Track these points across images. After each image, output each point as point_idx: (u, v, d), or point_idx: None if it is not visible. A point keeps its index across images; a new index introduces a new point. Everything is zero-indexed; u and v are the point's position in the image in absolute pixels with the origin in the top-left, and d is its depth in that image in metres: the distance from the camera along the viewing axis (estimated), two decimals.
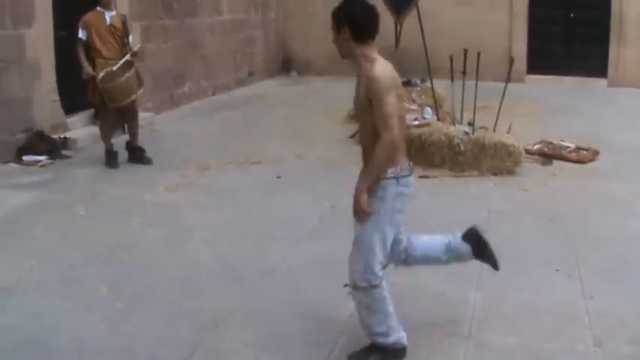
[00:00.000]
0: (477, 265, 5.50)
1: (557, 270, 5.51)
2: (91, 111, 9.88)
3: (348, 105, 11.31)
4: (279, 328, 4.57)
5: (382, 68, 3.88)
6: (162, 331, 4.49)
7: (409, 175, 4.04)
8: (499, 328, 4.57)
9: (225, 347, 4.32)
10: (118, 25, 8.35)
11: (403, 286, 5.13)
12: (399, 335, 4.10)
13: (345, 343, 4.35)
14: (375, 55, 3.95)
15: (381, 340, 4.07)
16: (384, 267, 4.05)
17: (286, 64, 17.84)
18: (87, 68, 8.19)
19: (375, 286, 3.98)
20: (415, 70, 11.52)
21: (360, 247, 3.99)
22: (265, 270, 5.47)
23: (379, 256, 3.98)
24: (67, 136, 9.36)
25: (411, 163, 4.11)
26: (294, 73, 17.59)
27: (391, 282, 5.14)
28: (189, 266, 5.57)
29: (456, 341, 4.39)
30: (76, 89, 9.37)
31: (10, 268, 5.47)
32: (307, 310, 4.84)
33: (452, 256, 4.45)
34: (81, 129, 9.88)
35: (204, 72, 13.86)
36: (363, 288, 3.99)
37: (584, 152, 9.21)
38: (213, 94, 14.17)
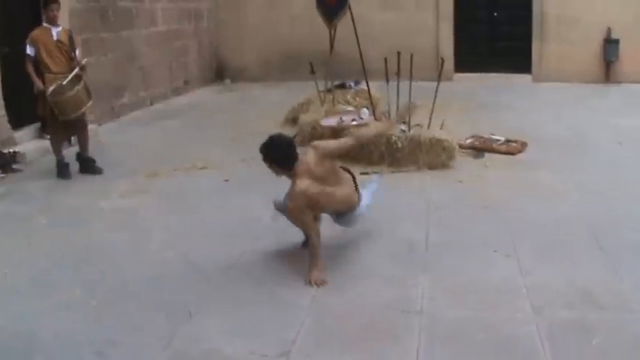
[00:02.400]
0: (422, 251, 6.00)
1: (495, 251, 5.96)
2: (37, 124, 10.07)
3: (284, 109, 11.79)
4: (247, 314, 4.93)
5: None
6: (140, 323, 4.81)
7: None
8: (448, 304, 5.01)
9: (200, 334, 4.66)
10: (65, 40, 8.53)
11: (355, 272, 5.60)
12: None
13: (309, 323, 4.75)
14: None
15: None
16: None
17: (220, 72, 18.10)
18: (38, 83, 8.34)
19: None
20: (349, 73, 12.03)
21: None
22: (227, 264, 5.80)
23: None
24: (17, 150, 9.48)
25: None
26: (227, 81, 17.84)
27: (342, 269, 5.62)
28: (154, 265, 5.84)
29: (410, 316, 4.81)
30: (20, 104, 9.55)
31: None
32: (271, 297, 5.20)
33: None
34: (28, 142, 10.01)
35: (142, 82, 14.06)
36: None
37: (514, 144, 9.65)
38: (151, 104, 14.37)
